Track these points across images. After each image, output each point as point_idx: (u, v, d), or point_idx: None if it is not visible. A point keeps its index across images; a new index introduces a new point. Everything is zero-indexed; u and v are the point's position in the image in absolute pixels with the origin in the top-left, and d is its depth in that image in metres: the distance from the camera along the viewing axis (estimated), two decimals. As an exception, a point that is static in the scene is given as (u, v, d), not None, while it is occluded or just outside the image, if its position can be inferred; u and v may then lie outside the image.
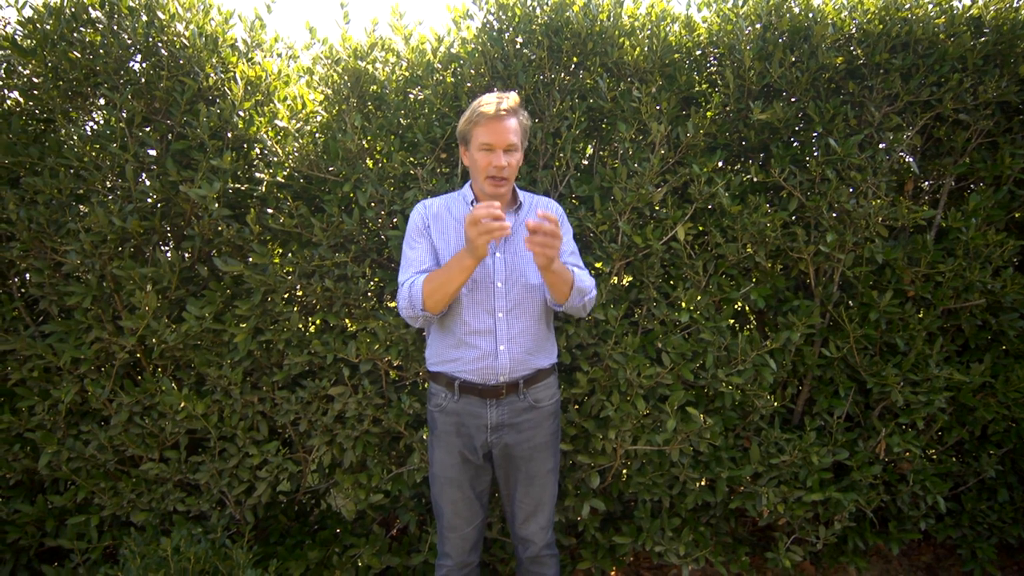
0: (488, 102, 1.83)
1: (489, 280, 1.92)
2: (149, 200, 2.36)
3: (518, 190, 2.03)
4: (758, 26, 2.42)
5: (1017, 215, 2.65)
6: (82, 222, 2.26)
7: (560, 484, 2.28)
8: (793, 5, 2.40)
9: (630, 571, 2.77)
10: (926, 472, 2.58)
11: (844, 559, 2.70)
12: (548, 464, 2.05)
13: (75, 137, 2.25)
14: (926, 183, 2.74)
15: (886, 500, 2.63)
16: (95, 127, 2.40)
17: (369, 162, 2.41)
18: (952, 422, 2.61)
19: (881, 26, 2.37)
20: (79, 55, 2.26)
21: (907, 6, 2.39)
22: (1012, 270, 2.46)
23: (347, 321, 2.45)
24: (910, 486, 2.58)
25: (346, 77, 2.36)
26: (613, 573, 2.80)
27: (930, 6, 2.41)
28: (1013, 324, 2.51)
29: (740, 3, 2.44)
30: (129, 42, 2.30)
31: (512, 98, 1.86)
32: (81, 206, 2.34)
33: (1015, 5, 2.43)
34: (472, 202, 1.96)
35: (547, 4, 2.33)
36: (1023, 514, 2.67)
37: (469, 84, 2.33)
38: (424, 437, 2.38)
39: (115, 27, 2.27)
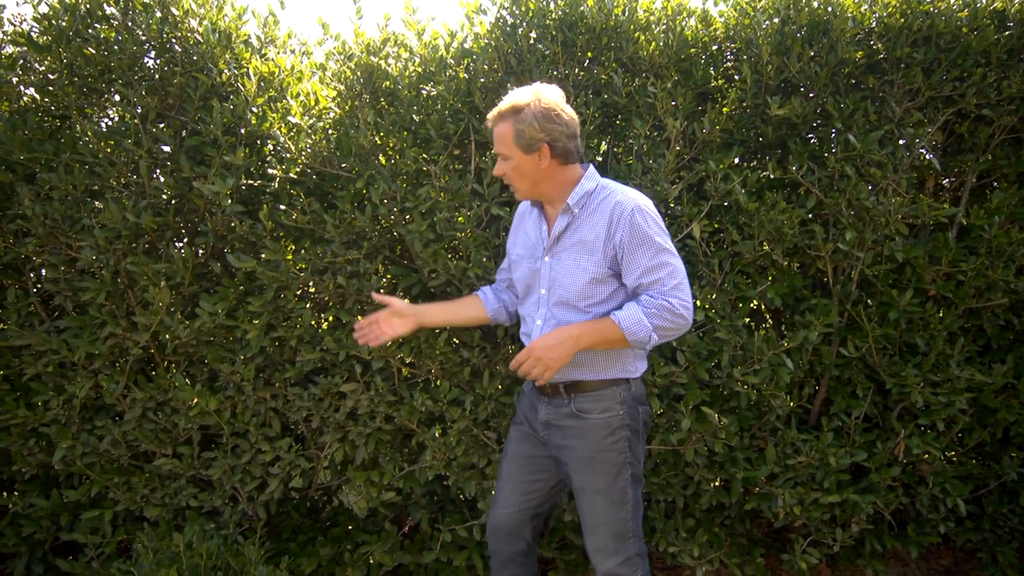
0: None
1: (538, 285, 1.95)
2: (163, 196, 2.37)
3: (584, 186, 1.87)
4: (776, 20, 2.38)
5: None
6: (97, 218, 2.27)
7: (633, 520, 1.97)
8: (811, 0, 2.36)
9: (643, 571, 2.74)
10: (946, 474, 2.53)
11: (861, 562, 2.66)
12: (596, 483, 1.90)
13: (90, 133, 2.26)
14: (946, 180, 2.69)
15: (904, 502, 2.58)
16: (110, 123, 2.41)
17: (382, 159, 2.39)
18: (973, 424, 2.56)
19: (902, 20, 2.32)
20: (94, 51, 2.26)
21: (928, 0, 2.35)
22: (1036, 269, 2.41)
23: (359, 318, 2.44)
24: (929, 488, 2.53)
25: (359, 73, 2.35)
26: (626, 573, 2.77)
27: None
28: (1037, 324, 2.46)
29: (758, -4, 2.40)
30: (143, 38, 2.31)
31: (509, 101, 1.81)
32: (96, 202, 2.35)
33: (1041, -2, 2.38)
34: (531, 202, 1.99)
35: (562, -2, 2.31)
36: (1046, 518, 2.62)
37: (482, 80, 2.31)
38: (436, 434, 2.37)
39: (129, 23, 2.27)
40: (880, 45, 2.35)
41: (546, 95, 1.80)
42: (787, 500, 2.41)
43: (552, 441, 1.97)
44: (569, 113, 1.83)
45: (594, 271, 1.83)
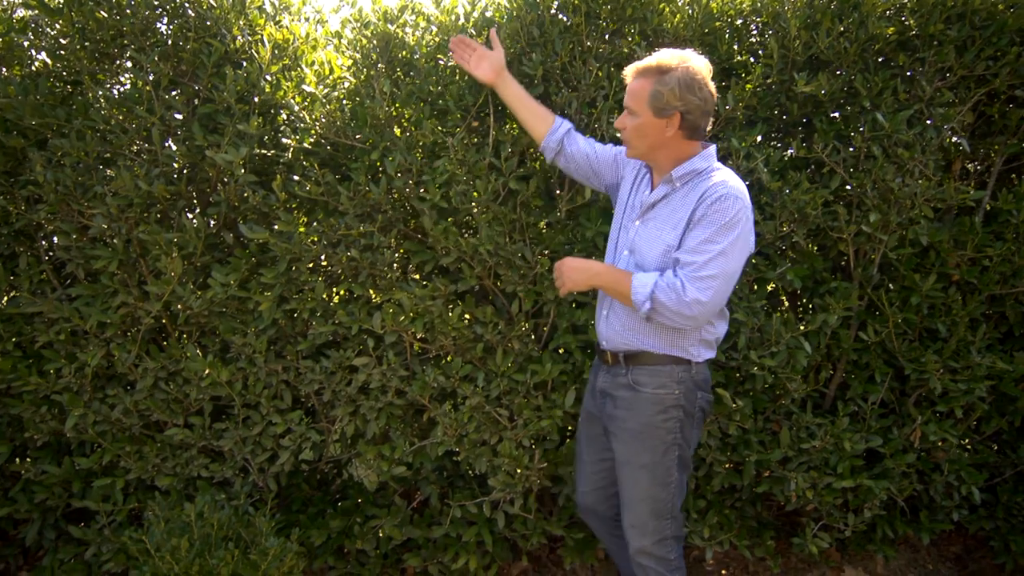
0: None
1: (623, 246, 1.96)
2: (175, 165, 2.34)
3: (695, 163, 1.83)
4: (806, -7, 2.30)
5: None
6: (109, 186, 2.24)
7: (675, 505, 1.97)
8: (843, -28, 2.28)
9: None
10: (961, 462, 2.51)
11: (872, 547, 2.64)
12: (641, 457, 1.90)
13: (102, 99, 2.22)
14: (972, 163, 2.63)
15: (918, 489, 2.56)
16: (122, 90, 2.37)
17: (397, 130, 2.35)
18: (991, 411, 2.53)
19: (937, -5, 2.24)
20: (106, 15, 2.22)
21: (965, -26, 2.27)
22: (1063, 256, 2.35)
23: (371, 292, 2.42)
24: (944, 475, 2.51)
25: (375, 41, 2.30)
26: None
27: (990, -26, 2.28)
28: (1061, 312, 2.41)
29: (787, -31, 2.32)
30: (156, 2, 2.26)
31: (656, 59, 1.78)
32: (108, 170, 2.32)
33: (1081, -26, 2.30)
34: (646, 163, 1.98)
35: (585, -33, 2.24)
36: (1061, 508, 2.59)
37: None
38: (448, 410, 2.36)
39: (142, -14, 2.22)
40: (912, 21, 2.27)
41: (694, 64, 1.77)
42: (800, 484, 2.40)
43: (604, 410, 1.99)
44: (711, 88, 1.79)
45: (671, 244, 1.82)
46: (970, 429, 2.59)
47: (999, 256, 2.34)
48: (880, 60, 2.36)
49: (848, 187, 2.36)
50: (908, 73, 2.36)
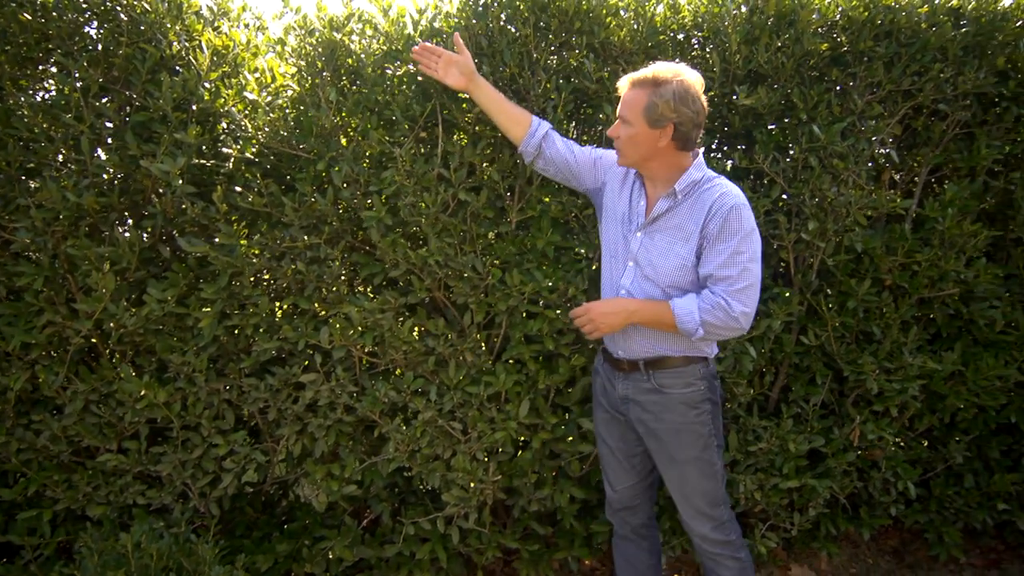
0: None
1: (625, 256, 1.98)
2: (106, 175, 2.22)
3: (692, 175, 1.88)
4: (744, 9, 2.38)
5: (987, 206, 2.69)
6: (33, 197, 2.10)
7: (701, 482, 2.01)
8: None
9: (606, 559, 2.75)
10: (897, 459, 2.61)
11: (816, 545, 2.72)
12: (686, 453, 1.97)
13: (25, 107, 2.09)
14: (899, 174, 2.76)
15: (858, 486, 2.65)
16: (47, 96, 2.24)
17: (343, 140, 2.30)
18: (923, 409, 2.65)
19: (866, 13, 2.35)
20: (30, 17, 2.09)
21: (891, -6, 2.39)
22: (984, 260, 2.49)
23: (317, 306, 2.35)
24: (882, 472, 2.61)
25: (320, 49, 2.25)
26: (589, 561, 2.78)
27: (913, -5, 2.41)
28: (983, 313, 2.55)
29: (727, -15, 2.39)
30: (84, 5, 2.15)
31: (651, 71, 1.82)
32: (31, 181, 2.18)
33: (993, -3, 2.45)
34: (637, 171, 2.00)
35: (533, -21, 2.25)
36: (988, 499, 2.73)
37: (450, 60, 2.24)
38: (400, 426, 2.30)
39: (69, -12, 2.11)
40: (844, 38, 2.38)
41: (688, 77, 1.82)
42: (748, 486, 2.45)
43: (632, 415, 2.03)
44: (703, 101, 1.85)
45: (686, 257, 1.87)
46: (904, 427, 2.71)
47: (927, 261, 2.46)
48: (815, 75, 2.45)
49: (784, 196, 2.44)
50: (840, 87, 2.46)
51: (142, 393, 2.19)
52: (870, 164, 2.50)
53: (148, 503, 2.33)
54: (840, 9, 2.37)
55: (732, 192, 1.85)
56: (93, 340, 2.28)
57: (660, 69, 1.82)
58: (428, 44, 2.09)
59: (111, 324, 2.19)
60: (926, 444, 2.79)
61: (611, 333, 1.97)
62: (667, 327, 1.88)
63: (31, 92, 2.23)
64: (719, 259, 1.82)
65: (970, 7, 2.42)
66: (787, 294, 2.42)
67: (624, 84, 1.87)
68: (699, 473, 1.99)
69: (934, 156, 2.56)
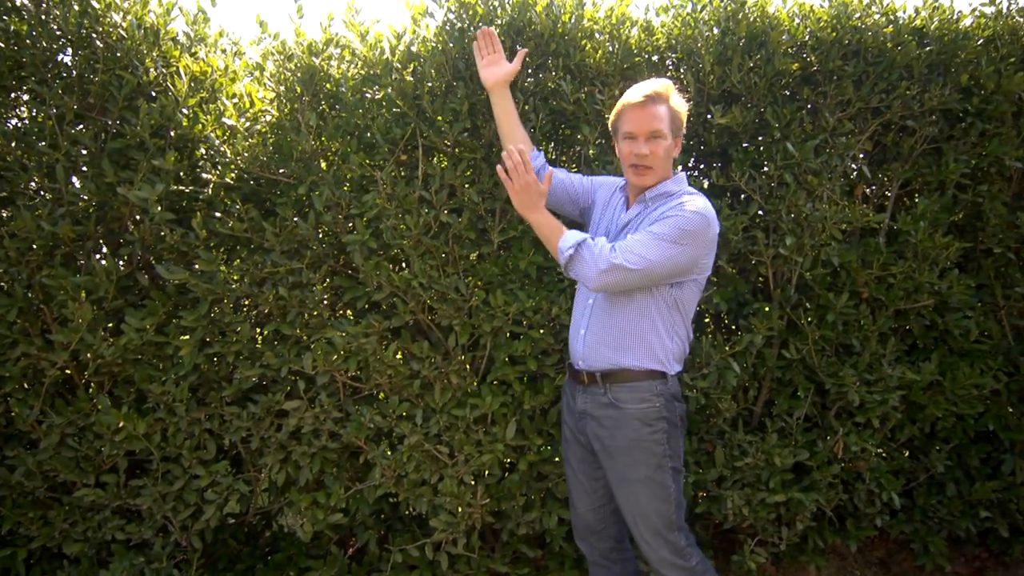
0: (633, 90, 1.89)
1: None
2: (82, 203, 2.19)
3: (668, 186, 1.92)
4: (716, 31, 2.43)
5: (957, 219, 2.76)
6: (6, 227, 2.07)
7: (661, 509, 1.95)
8: (749, 12, 2.43)
9: (595, 581, 2.72)
10: (881, 470, 2.64)
11: (804, 558, 2.73)
12: (636, 472, 1.90)
13: (-2, 135, 2.07)
14: (871, 188, 2.82)
15: (844, 498, 2.67)
16: (20, 124, 2.21)
17: (323, 164, 2.30)
18: (904, 420, 2.68)
19: (834, 34, 2.42)
20: (3, 45, 2.08)
21: (857, 15, 2.46)
22: (956, 271, 2.55)
23: (300, 331, 2.32)
24: (866, 484, 2.63)
25: (299, 74, 2.25)
26: (578, 583, 2.75)
27: (878, 15, 2.48)
28: (958, 323, 2.60)
29: (699, 8, 2.45)
30: (59, 33, 2.13)
31: (661, 84, 1.86)
32: (4, 210, 2.15)
33: (955, 17, 2.54)
34: (623, 187, 2.03)
35: (509, 3, 2.28)
36: (970, 507, 2.76)
37: (430, 84, 2.25)
38: (386, 451, 2.28)
39: (43, 16, 2.10)
40: (814, 58, 2.44)
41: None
42: (735, 502, 2.45)
43: (589, 431, 1.99)
44: None
45: None
46: (886, 438, 2.73)
47: (902, 273, 2.51)
48: (787, 94, 2.51)
49: (761, 212, 2.48)
50: (811, 106, 2.52)
51: (120, 425, 2.15)
52: (843, 180, 2.55)
53: (127, 538, 2.27)
54: (809, 30, 2.44)
55: (695, 202, 1.86)
56: (69, 371, 2.23)
57: (661, 83, 1.89)
58: (493, 32, 2.13)
59: (88, 355, 2.15)
60: (908, 454, 2.82)
61: (516, 203, 1.90)
62: (550, 242, 1.89)
63: (4, 119, 2.20)
64: (637, 230, 1.87)
65: (933, 27, 2.50)
66: (767, 309, 2.45)
67: (635, 100, 1.86)
68: (650, 494, 1.92)
69: (904, 171, 2.62)
